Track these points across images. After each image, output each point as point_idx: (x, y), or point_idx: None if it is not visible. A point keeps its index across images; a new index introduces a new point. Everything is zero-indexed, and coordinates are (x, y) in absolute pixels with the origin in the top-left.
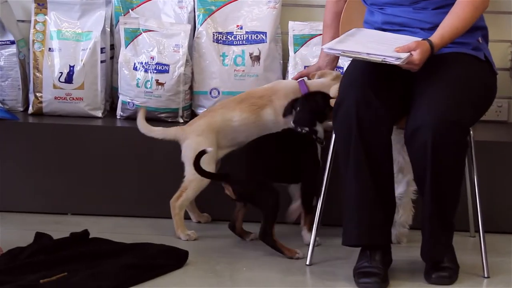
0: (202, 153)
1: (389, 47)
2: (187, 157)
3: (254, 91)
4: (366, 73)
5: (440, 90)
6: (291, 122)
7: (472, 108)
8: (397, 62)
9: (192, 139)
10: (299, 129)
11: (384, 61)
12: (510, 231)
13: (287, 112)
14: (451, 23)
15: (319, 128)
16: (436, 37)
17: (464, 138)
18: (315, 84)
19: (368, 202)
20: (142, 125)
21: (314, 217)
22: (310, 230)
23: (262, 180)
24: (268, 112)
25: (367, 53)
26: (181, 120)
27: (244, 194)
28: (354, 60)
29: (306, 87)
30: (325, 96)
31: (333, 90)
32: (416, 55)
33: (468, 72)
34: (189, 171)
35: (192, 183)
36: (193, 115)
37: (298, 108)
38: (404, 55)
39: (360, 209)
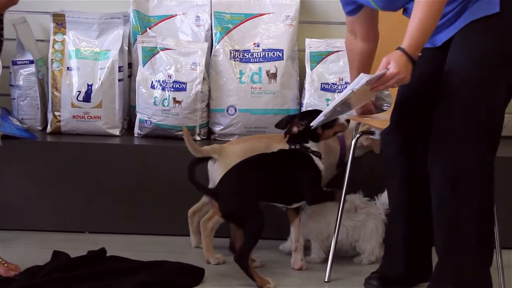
0: (196, 162)
1: (357, 81)
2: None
3: None
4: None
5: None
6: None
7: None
8: (365, 79)
9: (232, 161)
10: (292, 146)
11: (355, 89)
12: None
13: (279, 126)
14: (413, 18)
15: (312, 144)
16: (404, 40)
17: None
18: None
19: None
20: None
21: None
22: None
23: (249, 202)
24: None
25: (339, 98)
26: (198, 138)
27: (229, 214)
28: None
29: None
30: (311, 116)
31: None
32: (393, 67)
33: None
34: None
35: None
36: (210, 132)
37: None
38: (377, 73)
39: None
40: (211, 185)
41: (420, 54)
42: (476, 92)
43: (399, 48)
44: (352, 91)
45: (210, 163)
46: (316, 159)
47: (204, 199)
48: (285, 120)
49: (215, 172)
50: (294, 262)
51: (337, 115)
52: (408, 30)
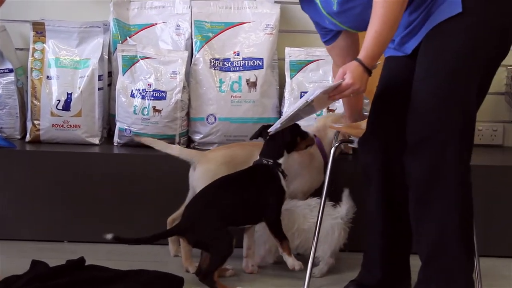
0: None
1: (311, 91)
2: (203, 184)
3: None
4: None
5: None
6: (259, 154)
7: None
8: (319, 91)
9: (212, 166)
10: (264, 161)
11: (309, 100)
12: (506, 255)
13: (254, 136)
14: (369, 30)
15: (284, 159)
16: (361, 51)
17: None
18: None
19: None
20: (159, 143)
21: (288, 241)
22: (291, 253)
23: (216, 230)
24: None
25: (294, 108)
26: None
27: (198, 242)
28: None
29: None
30: (295, 126)
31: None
32: (348, 77)
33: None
34: None
35: None
36: (189, 141)
37: (267, 138)
38: (333, 83)
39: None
40: (191, 192)
41: (379, 62)
42: (450, 95)
43: (356, 59)
44: (307, 102)
45: (190, 170)
46: (282, 179)
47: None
48: (258, 131)
49: (195, 179)
50: (245, 266)
51: (299, 119)
52: (365, 41)
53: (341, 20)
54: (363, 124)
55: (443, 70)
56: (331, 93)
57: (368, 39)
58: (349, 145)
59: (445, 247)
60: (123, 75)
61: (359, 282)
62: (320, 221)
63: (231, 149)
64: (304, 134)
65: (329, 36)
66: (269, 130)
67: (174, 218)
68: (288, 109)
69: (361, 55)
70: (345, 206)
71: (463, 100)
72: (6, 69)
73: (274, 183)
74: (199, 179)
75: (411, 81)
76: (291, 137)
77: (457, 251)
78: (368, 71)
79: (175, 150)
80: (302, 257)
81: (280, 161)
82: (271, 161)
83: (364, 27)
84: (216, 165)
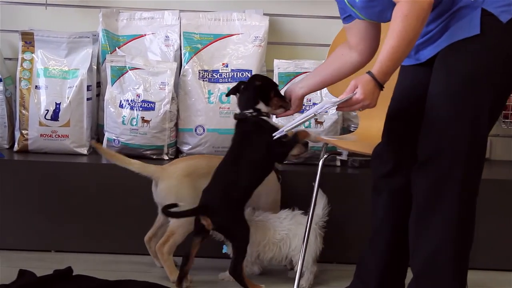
0: (171, 206)
1: (321, 105)
2: (169, 201)
3: None
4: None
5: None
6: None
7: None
8: (328, 106)
9: (174, 182)
10: (248, 114)
11: (317, 113)
12: (493, 268)
13: (231, 92)
14: (385, 44)
15: (262, 106)
16: (375, 65)
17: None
18: None
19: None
20: (118, 157)
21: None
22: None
23: (239, 213)
24: None
25: (301, 118)
26: (166, 158)
27: (221, 225)
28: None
29: None
30: (267, 79)
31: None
32: (359, 93)
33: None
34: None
35: (180, 228)
36: (178, 152)
37: (242, 87)
38: (342, 98)
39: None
40: (159, 208)
41: None
42: (462, 116)
43: (368, 73)
44: (315, 115)
45: (153, 186)
46: (270, 120)
47: (157, 223)
48: (234, 87)
49: (159, 196)
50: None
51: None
52: (380, 55)
53: (362, 12)
54: (351, 136)
55: (457, 90)
56: (340, 105)
57: (384, 54)
58: (338, 157)
59: (438, 266)
60: (112, 85)
61: None
62: (309, 232)
63: (192, 161)
64: (279, 94)
65: (346, 14)
66: (274, 134)
67: (150, 236)
68: (297, 118)
69: (374, 70)
70: (320, 204)
71: (475, 122)
72: None
73: (265, 129)
74: (163, 197)
75: (425, 91)
76: (262, 85)
77: (449, 271)
78: (380, 86)
79: (136, 166)
80: (282, 270)
81: (259, 107)
82: (252, 111)
83: (383, 21)
84: (177, 179)
